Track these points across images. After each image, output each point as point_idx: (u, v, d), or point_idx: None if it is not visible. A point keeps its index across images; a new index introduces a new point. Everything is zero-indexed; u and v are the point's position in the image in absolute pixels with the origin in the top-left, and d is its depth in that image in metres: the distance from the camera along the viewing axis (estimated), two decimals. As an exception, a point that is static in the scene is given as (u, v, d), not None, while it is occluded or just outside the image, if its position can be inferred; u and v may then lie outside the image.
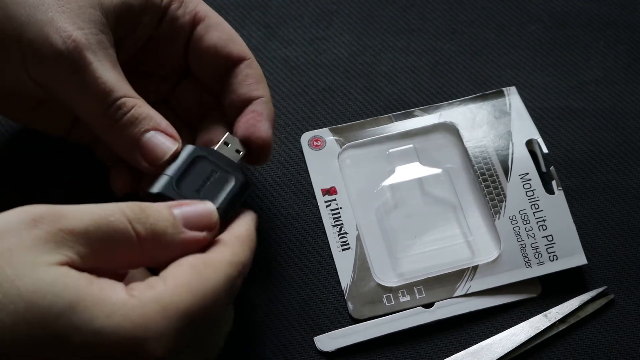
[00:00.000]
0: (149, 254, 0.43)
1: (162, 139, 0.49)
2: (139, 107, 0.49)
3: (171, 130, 0.50)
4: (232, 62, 0.53)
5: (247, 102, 0.53)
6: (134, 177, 0.53)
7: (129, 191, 0.53)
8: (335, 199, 0.57)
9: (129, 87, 0.50)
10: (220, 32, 0.53)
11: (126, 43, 0.52)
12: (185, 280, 0.42)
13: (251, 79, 0.53)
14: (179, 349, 0.42)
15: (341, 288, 0.54)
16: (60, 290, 0.39)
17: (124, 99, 0.49)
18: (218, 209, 0.47)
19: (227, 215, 0.48)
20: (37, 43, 0.48)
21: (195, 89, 0.55)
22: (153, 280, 0.42)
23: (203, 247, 0.45)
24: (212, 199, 0.48)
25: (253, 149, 0.52)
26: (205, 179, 0.49)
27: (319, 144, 0.59)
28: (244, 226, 0.48)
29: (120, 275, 0.45)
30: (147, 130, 0.49)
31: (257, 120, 0.52)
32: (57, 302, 0.39)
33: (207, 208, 0.46)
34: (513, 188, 0.56)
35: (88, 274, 0.41)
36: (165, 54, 0.54)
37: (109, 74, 0.49)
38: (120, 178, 0.53)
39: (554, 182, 0.56)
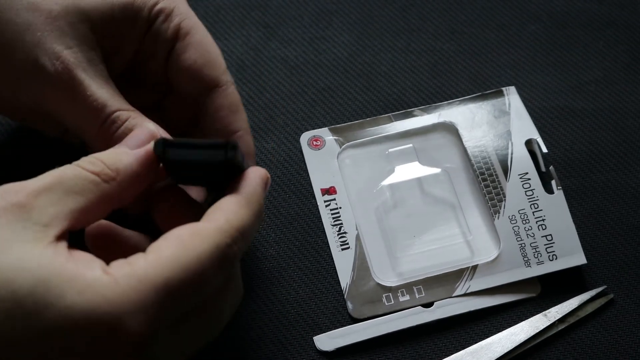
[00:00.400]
0: (116, 187, 0.43)
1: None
2: (133, 118, 0.49)
3: (167, 136, 0.49)
4: (205, 87, 0.52)
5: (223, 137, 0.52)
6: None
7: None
8: (334, 199, 0.57)
9: (123, 100, 0.49)
10: (198, 53, 0.52)
11: (115, 58, 0.52)
12: (168, 252, 0.41)
13: (224, 111, 0.52)
14: (167, 325, 0.41)
15: (341, 287, 0.54)
16: (34, 267, 0.39)
17: (118, 112, 0.49)
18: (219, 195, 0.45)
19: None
20: (26, 65, 0.48)
21: (182, 101, 0.54)
22: (134, 256, 0.41)
23: (154, 157, 0.45)
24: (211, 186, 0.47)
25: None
26: (197, 172, 0.47)
27: (319, 143, 0.60)
28: (245, 187, 0.45)
29: (107, 251, 0.45)
30: (142, 144, 0.48)
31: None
32: (29, 278, 0.39)
33: (141, 128, 0.47)
34: (512, 188, 0.56)
35: (68, 249, 0.41)
36: (149, 67, 0.53)
37: (101, 90, 0.49)
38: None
39: (553, 182, 0.56)
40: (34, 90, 0.49)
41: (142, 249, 0.43)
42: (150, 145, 0.45)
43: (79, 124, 0.49)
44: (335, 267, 0.55)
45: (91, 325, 0.39)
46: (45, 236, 0.40)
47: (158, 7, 0.51)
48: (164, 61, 0.53)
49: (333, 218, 0.56)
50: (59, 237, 0.41)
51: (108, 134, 0.49)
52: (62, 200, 0.42)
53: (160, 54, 0.52)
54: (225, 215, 0.43)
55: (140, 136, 0.46)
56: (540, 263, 0.54)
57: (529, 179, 0.56)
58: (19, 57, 0.48)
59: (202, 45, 0.52)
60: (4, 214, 0.40)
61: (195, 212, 0.46)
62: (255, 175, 0.46)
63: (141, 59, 0.53)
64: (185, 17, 0.52)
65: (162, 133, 0.49)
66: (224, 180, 0.46)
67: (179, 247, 0.41)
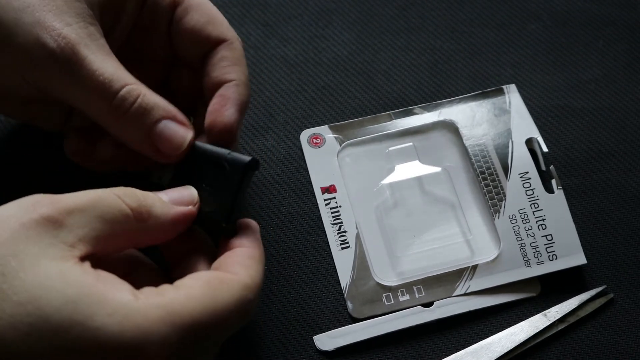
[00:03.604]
0: (144, 229, 0.44)
1: (176, 127, 0.49)
2: (144, 95, 0.48)
3: (182, 117, 0.49)
4: (211, 45, 0.52)
5: (219, 85, 0.51)
6: (88, 141, 0.52)
7: (83, 157, 0.52)
8: (334, 197, 0.57)
9: (129, 74, 0.49)
10: (199, 13, 0.52)
11: (114, 32, 0.52)
12: (199, 292, 0.42)
13: (226, 61, 0.51)
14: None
15: (340, 287, 0.54)
16: (63, 286, 0.39)
17: (127, 87, 0.48)
18: (223, 204, 0.47)
19: (234, 206, 0.48)
20: (28, 46, 0.47)
21: (188, 72, 0.54)
22: (165, 287, 0.42)
23: (189, 222, 0.46)
24: (214, 192, 0.48)
25: (214, 134, 0.50)
26: (205, 173, 0.49)
27: (319, 141, 0.59)
28: (255, 245, 0.48)
29: (130, 277, 0.45)
30: (159, 120, 0.49)
31: (221, 105, 0.50)
32: (58, 297, 0.39)
33: (188, 190, 0.47)
34: (513, 187, 0.56)
35: (94, 269, 0.41)
36: (151, 39, 0.53)
37: (106, 64, 0.48)
38: (73, 142, 0.52)
39: (553, 181, 0.56)
40: (39, 73, 0.48)
41: (154, 276, 0.45)
42: (186, 209, 0.46)
43: (87, 104, 0.49)
44: (335, 266, 0.55)
45: (118, 347, 0.39)
46: (71, 256, 0.41)
47: None
48: (165, 29, 0.53)
49: (333, 217, 0.56)
50: (83, 259, 0.41)
51: (121, 111, 0.48)
52: (91, 224, 0.42)
53: (161, 22, 0.52)
54: (249, 271, 0.45)
55: (185, 196, 0.47)
56: (540, 263, 0.54)
57: (529, 178, 0.56)
58: (18, 40, 0.47)
59: (202, 5, 0.52)
60: (34, 226, 0.40)
61: (205, 250, 0.48)
62: (256, 233, 0.48)
63: (142, 32, 0.53)
64: None
65: (182, 117, 0.49)
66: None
67: (209, 291, 0.42)
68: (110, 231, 0.43)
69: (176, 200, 0.47)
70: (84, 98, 0.48)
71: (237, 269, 0.45)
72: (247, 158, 0.47)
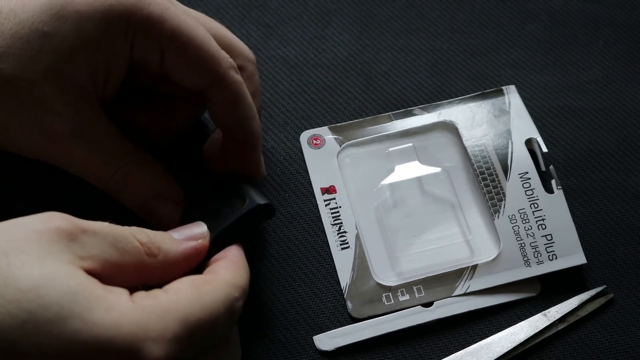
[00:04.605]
0: (154, 264, 0.45)
1: (164, 209, 0.52)
2: (133, 174, 0.51)
3: (170, 192, 0.52)
4: (202, 88, 0.52)
5: (228, 132, 0.53)
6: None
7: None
8: (334, 198, 0.57)
9: (122, 150, 0.51)
10: (184, 58, 0.51)
11: (110, 79, 0.51)
12: (186, 292, 0.43)
13: (220, 107, 0.52)
14: None
15: (340, 287, 0.54)
16: (65, 280, 0.40)
17: (118, 172, 0.51)
18: (221, 222, 0.50)
19: (231, 226, 0.50)
20: (23, 138, 0.50)
21: (180, 99, 0.55)
22: (155, 291, 0.43)
23: (201, 256, 0.47)
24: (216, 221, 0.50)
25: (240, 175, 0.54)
26: (217, 205, 0.51)
27: (319, 142, 0.59)
28: (237, 255, 0.49)
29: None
30: (147, 200, 0.52)
31: (245, 156, 0.53)
32: (59, 288, 0.39)
33: (199, 227, 0.49)
34: (512, 187, 0.56)
35: (95, 279, 0.41)
36: (142, 75, 0.53)
37: (97, 151, 0.50)
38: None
39: (553, 181, 0.56)
40: (34, 152, 0.51)
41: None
42: (196, 243, 0.47)
43: (85, 178, 0.52)
44: (335, 266, 0.55)
45: (113, 344, 0.39)
46: (78, 264, 0.41)
47: (140, 17, 0.50)
48: (157, 67, 0.52)
49: (333, 217, 0.56)
50: (89, 272, 0.42)
51: (114, 194, 0.52)
52: (103, 247, 0.43)
53: (152, 61, 0.51)
54: (231, 273, 0.46)
55: (195, 232, 0.48)
56: (540, 263, 0.54)
57: (529, 179, 0.56)
58: (17, 133, 0.50)
59: (189, 46, 0.51)
60: (47, 233, 0.41)
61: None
62: (240, 248, 0.50)
63: (134, 71, 0.52)
64: (164, 20, 0.50)
65: (170, 193, 0.52)
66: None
67: (195, 289, 0.43)
68: (121, 259, 0.43)
69: (187, 236, 0.48)
70: (79, 175, 0.52)
71: (220, 271, 0.46)
72: (265, 201, 0.51)
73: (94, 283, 0.41)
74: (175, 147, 0.57)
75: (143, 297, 0.42)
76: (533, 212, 0.55)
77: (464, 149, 0.58)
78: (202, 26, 0.52)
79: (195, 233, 0.48)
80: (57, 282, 0.39)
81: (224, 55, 0.52)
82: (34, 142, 0.50)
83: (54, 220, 0.42)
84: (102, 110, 0.51)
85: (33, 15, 0.48)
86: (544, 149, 0.57)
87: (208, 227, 0.49)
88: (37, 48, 0.48)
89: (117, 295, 0.41)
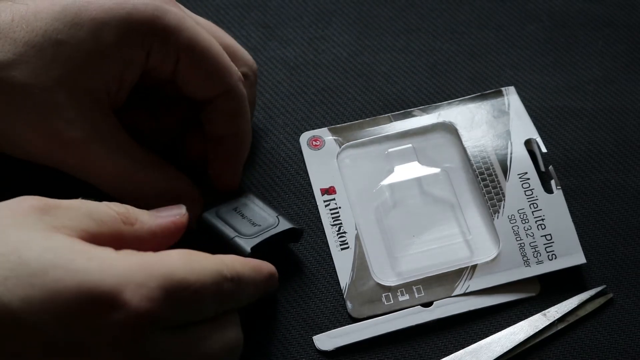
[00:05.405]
0: (132, 232, 0.45)
1: (169, 223, 0.50)
2: (151, 178, 0.51)
3: (189, 192, 0.52)
4: (210, 97, 0.52)
5: (220, 140, 0.53)
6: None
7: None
8: (334, 199, 0.57)
9: (136, 155, 0.51)
10: (198, 68, 0.51)
11: (122, 87, 0.51)
12: (175, 255, 0.43)
13: (223, 116, 0.53)
14: (166, 325, 0.42)
15: (340, 287, 0.54)
16: (43, 240, 0.41)
17: (136, 176, 0.51)
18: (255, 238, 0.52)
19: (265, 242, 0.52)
20: (38, 145, 0.50)
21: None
22: (145, 252, 0.44)
23: (180, 232, 0.47)
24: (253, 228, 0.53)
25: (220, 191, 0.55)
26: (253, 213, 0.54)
27: (318, 143, 0.60)
28: (257, 260, 0.49)
29: None
30: (168, 203, 0.50)
31: (222, 169, 0.54)
32: (40, 245, 0.40)
33: (178, 208, 0.49)
34: (512, 187, 0.56)
35: (76, 238, 0.42)
36: (154, 80, 0.53)
37: (113, 158, 0.50)
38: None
39: (552, 182, 0.56)
40: (47, 159, 0.51)
41: None
42: (175, 217, 0.48)
43: (96, 184, 0.52)
44: (334, 266, 0.55)
45: (98, 289, 0.40)
46: (55, 232, 0.42)
47: (159, 27, 0.50)
48: (169, 76, 0.52)
49: (332, 218, 0.56)
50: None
51: (132, 198, 0.50)
52: (78, 218, 0.43)
53: (165, 70, 0.52)
54: (231, 257, 0.47)
55: (174, 210, 0.48)
56: (539, 263, 0.54)
57: (529, 179, 0.56)
58: (30, 140, 0.50)
59: (204, 61, 0.51)
60: (21, 212, 0.42)
61: None
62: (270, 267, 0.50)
63: (143, 77, 0.53)
64: (180, 30, 0.50)
65: (168, 219, 0.51)
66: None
67: (185, 255, 0.44)
68: (98, 229, 0.43)
69: (166, 213, 0.48)
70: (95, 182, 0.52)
71: (217, 255, 0.46)
72: (295, 226, 0.54)
73: (74, 240, 0.41)
74: (169, 148, 0.56)
75: (129, 252, 0.42)
76: (532, 212, 0.55)
77: (463, 149, 0.58)
78: (212, 36, 0.52)
79: (174, 209, 0.48)
80: (35, 243, 0.40)
81: (234, 67, 0.53)
82: (47, 149, 0.50)
83: (27, 200, 0.43)
84: (114, 116, 0.51)
85: (46, 23, 0.48)
86: (544, 150, 0.57)
87: (245, 237, 0.51)
88: (50, 56, 0.48)
89: (101, 249, 0.42)
